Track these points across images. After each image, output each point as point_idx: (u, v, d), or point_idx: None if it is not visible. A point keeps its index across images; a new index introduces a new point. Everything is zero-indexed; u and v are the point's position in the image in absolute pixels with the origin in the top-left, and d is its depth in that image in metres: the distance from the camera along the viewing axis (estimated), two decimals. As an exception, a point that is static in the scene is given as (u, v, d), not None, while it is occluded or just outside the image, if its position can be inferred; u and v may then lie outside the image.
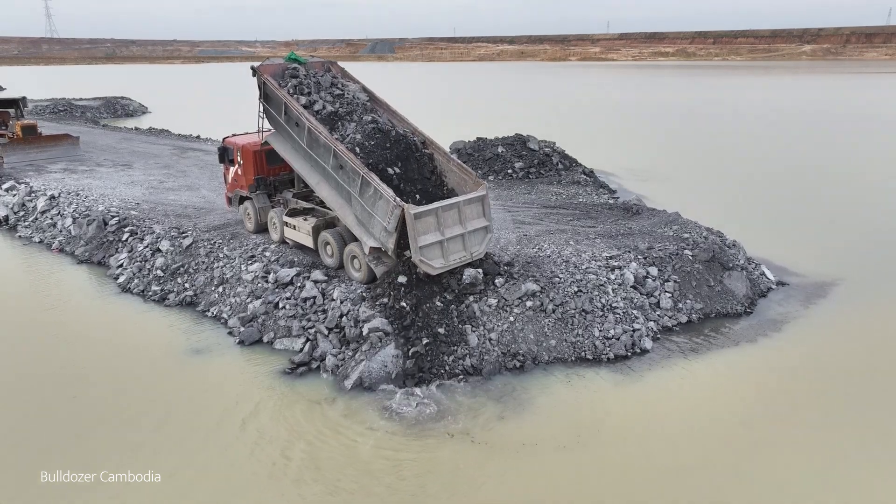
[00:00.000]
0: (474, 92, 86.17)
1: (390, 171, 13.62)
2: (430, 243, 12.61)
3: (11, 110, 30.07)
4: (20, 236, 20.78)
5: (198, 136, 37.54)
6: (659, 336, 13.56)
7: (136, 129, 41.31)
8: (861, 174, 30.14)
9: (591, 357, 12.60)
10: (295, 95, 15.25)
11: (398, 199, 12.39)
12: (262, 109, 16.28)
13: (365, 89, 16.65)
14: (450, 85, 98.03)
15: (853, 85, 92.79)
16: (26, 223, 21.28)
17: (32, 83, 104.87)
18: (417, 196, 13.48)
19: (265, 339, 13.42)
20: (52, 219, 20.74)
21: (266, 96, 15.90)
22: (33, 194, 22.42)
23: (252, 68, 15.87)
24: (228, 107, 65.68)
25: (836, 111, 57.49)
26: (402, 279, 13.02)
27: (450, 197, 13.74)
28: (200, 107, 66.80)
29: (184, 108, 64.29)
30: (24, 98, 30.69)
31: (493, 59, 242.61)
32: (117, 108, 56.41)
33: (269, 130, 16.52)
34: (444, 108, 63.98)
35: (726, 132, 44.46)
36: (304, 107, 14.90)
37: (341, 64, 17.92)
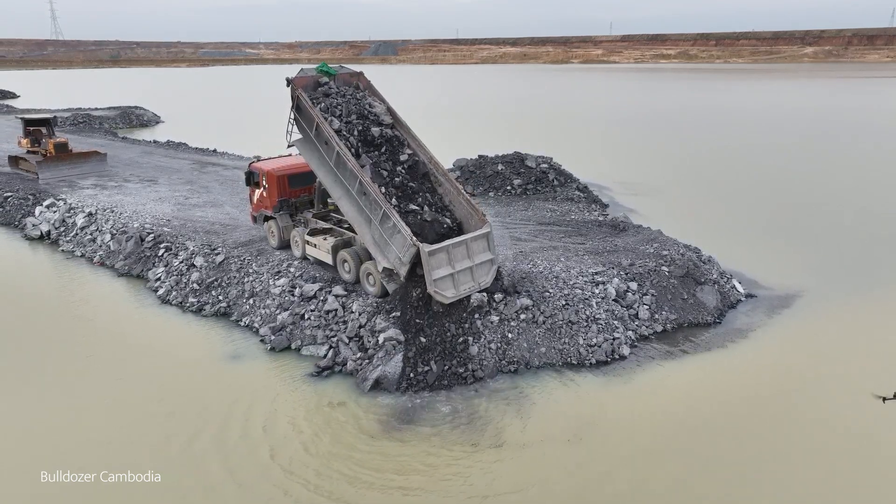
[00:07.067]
0: (476, 105, 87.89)
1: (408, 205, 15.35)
2: (442, 276, 14.30)
3: (43, 128, 32.23)
4: (62, 250, 22.84)
5: (214, 150, 39.58)
6: (636, 344, 15.51)
7: (155, 141, 43.38)
8: (847, 186, 32.00)
9: (575, 362, 14.56)
10: (328, 118, 16.39)
11: (414, 238, 14.10)
12: (293, 118, 17.11)
13: (390, 110, 17.78)
14: (450, 104, 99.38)
15: (849, 90, 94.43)
16: (67, 238, 23.35)
17: (43, 90, 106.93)
18: (428, 227, 15.15)
19: (293, 346, 15.43)
20: (91, 234, 22.79)
21: (298, 108, 16.87)
22: (72, 211, 24.48)
23: (287, 80, 17.02)
24: (240, 116, 67.84)
25: (830, 119, 59.24)
26: (417, 321, 14.64)
27: (456, 227, 15.59)
28: (212, 116, 68.92)
29: (196, 118, 66.39)
30: (55, 118, 32.93)
31: (496, 61, 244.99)
32: (132, 118, 58.61)
33: (298, 137, 17.33)
34: (445, 121, 65.76)
35: (719, 141, 46.31)
36: (336, 130, 16.11)
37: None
